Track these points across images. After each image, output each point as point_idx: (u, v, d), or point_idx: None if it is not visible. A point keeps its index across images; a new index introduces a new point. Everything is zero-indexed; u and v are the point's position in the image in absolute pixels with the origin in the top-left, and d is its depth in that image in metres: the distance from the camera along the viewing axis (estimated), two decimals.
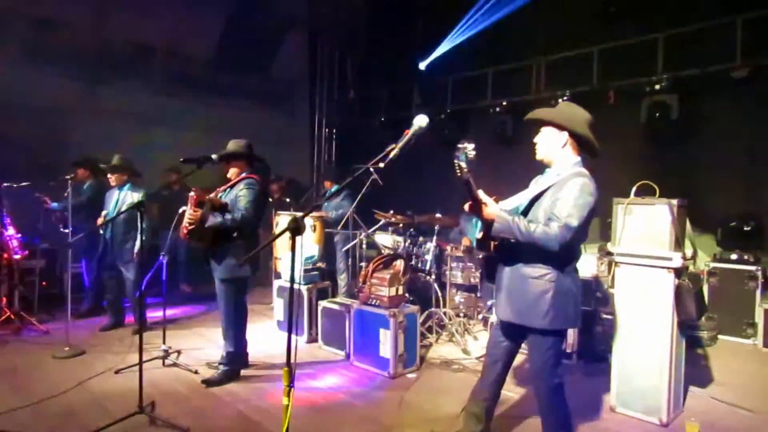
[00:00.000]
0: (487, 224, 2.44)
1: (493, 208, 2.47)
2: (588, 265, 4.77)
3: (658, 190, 3.43)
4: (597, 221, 6.92)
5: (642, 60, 6.32)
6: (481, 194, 2.46)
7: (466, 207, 2.50)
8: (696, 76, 5.97)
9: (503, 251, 2.61)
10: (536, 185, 2.67)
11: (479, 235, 2.61)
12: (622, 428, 3.35)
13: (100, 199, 5.60)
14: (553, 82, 7.22)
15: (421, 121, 2.07)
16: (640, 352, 3.45)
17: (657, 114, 6.12)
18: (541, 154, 2.67)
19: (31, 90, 7.10)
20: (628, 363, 3.51)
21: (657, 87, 6.11)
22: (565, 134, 2.59)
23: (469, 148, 2.26)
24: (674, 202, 3.34)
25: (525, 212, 2.64)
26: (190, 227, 3.72)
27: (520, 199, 2.66)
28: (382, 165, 1.99)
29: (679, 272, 3.35)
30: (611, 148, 6.72)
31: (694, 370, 4.23)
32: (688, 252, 3.42)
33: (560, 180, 2.52)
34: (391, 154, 2.00)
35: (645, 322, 3.44)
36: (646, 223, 3.44)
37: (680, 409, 3.57)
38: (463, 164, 2.25)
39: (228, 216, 3.79)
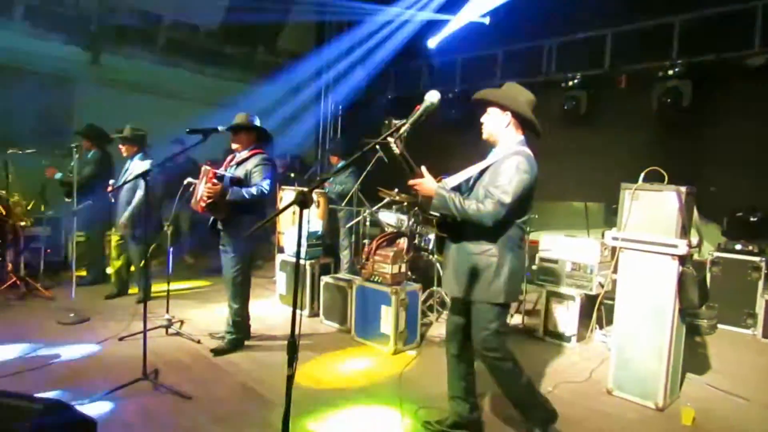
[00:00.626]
0: (428, 200, 2.53)
1: (431, 184, 2.54)
2: (591, 249, 4.76)
3: (666, 177, 3.41)
4: (601, 207, 6.91)
5: (656, 44, 6.22)
6: (423, 170, 2.55)
7: (409, 183, 2.57)
8: (711, 62, 5.87)
9: (447, 228, 2.70)
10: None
11: (426, 213, 2.70)
12: (618, 411, 3.39)
13: (105, 170, 5.59)
14: (564, 64, 7.12)
15: (432, 97, 2.04)
16: (640, 337, 3.47)
17: (668, 100, 6.04)
18: (486, 134, 2.74)
19: (36, 57, 7.03)
20: (627, 347, 3.54)
21: (670, 72, 6.02)
22: (509, 115, 2.66)
23: (397, 123, 2.32)
24: (683, 189, 3.32)
25: (472, 189, 2.73)
26: (208, 201, 3.74)
27: (467, 174, 2.72)
28: (392, 140, 1.97)
29: (683, 260, 3.34)
30: (620, 133, 6.76)
31: (692, 357, 4.26)
32: (694, 240, 3.41)
33: (500, 158, 2.60)
34: (402, 129, 1.98)
35: (646, 307, 3.45)
36: (653, 209, 3.42)
37: (677, 394, 3.61)
38: (390, 141, 2.30)
39: (250, 190, 3.84)
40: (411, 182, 2.55)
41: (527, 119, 2.68)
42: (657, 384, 3.40)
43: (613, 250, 4.14)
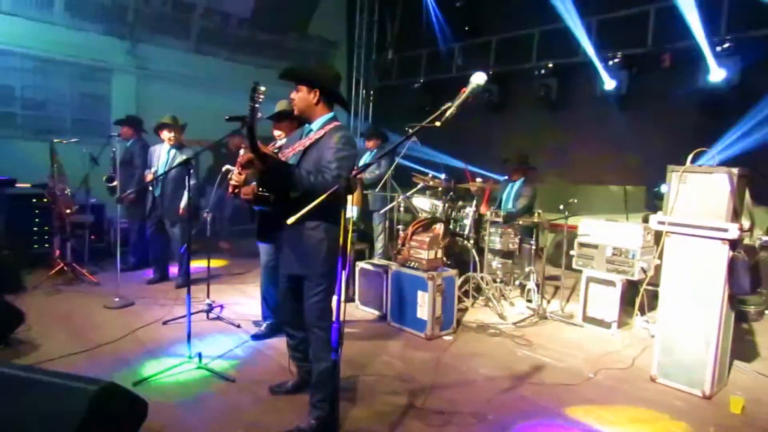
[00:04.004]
0: (265, 175, 2.59)
1: (276, 158, 2.61)
2: (632, 234, 4.63)
3: (716, 158, 3.28)
4: (643, 190, 6.69)
5: (703, 20, 5.91)
6: (266, 147, 2.60)
7: (250, 158, 2.58)
8: (764, 37, 5.55)
9: (281, 207, 2.68)
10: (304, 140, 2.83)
11: (258, 190, 2.71)
12: (663, 398, 3.31)
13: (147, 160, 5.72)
14: (603, 43, 6.86)
15: (478, 78, 1.98)
16: (687, 324, 3.38)
17: (716, 79, 5.76)
18: (298, 111, 2.85)
19: (75, 47, 7.22)
20: (673, 334, 3.45)
21: (718, 49, 5.74)
22: (317, 91, 2.77)
23: (261, 89, 2.36)
24: (735, 170, 3.18)
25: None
26: (235, 188, 3.77)
27: (292, 153, 2.80)
28: (438, 124, 1.94)
29: (734, 244, 3.22)
30: (663, 115, 6.50)
31: (740, 344, 4.12)
32: (746, 224, 3.27)
33: (324, 135, 2.72)
34: (448, 113, 1.94)
35: (694, 293, 3.34)
36: (702, 193, 3.30)
37: (724, 382, 3.50)
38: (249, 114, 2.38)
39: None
40: (251, 157, 2.59)
41: (335, 95, 2.85)
42: (704, 371, 3.30)
43: (657, 234, 4.01)
